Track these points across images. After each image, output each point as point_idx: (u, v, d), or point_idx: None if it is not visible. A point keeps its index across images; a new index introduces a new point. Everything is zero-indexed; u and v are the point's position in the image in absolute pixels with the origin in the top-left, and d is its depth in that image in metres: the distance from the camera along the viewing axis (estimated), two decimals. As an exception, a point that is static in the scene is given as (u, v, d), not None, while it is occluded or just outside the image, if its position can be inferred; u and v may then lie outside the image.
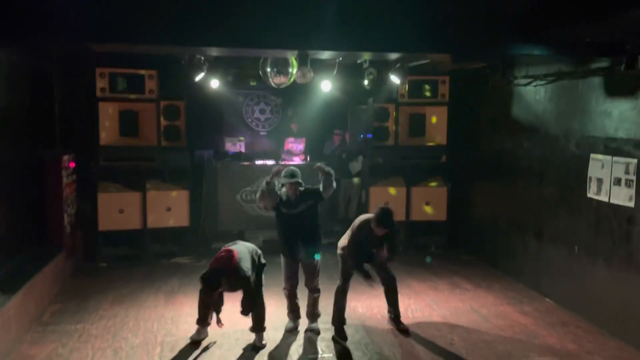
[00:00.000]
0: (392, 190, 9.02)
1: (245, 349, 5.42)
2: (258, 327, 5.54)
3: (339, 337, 5.69)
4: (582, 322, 6.11)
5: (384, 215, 5.41)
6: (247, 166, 9.05)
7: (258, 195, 5.73)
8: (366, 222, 5.59)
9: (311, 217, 5.69)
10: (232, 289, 5.20)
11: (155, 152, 8.35)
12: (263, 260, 5.61)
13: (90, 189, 8.15)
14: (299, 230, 5.65)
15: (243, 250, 5.42)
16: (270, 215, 8.43)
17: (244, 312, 5.30)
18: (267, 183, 5.55)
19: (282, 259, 5.80)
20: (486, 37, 5.45)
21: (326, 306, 5.91)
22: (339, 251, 5.79)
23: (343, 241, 5.77)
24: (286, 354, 5.38)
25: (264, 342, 5.54)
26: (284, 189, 5.67)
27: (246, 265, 5.23)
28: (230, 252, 5.29)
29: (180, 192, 8.50)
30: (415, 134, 9.09)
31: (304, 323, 5.94)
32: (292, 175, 5.57)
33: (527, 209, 7.40)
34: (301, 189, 5.63)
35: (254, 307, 5.35)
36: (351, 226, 5.77)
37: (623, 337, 5.63)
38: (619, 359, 5.35)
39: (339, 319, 5.79)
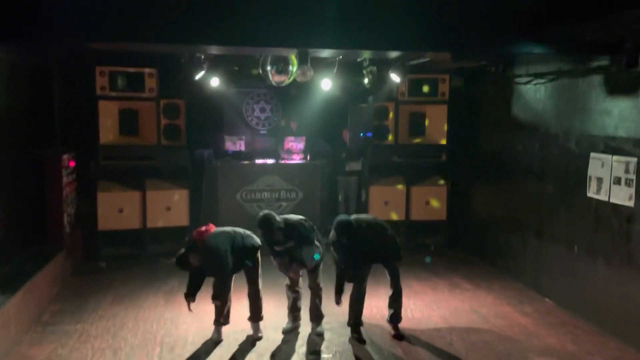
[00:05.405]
0: (399, 186, 9.01)
1: (244, 349, 5.41)
2: (255, 316, 5.62)
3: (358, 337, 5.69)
4: (582, 322, 6.10)
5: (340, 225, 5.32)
6: (247, 165, 9.03)
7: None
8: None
9: None
10: (204, 263, 5.28)
11: (155, 151, 8.33)
12: (256, 242, 5.58)
13: (90, 188, 8.15)
14: None
15: (224, 229, 5.54)
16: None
17: (213, 297, 5.40)
18: None
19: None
20: (487, 35, 5.44)
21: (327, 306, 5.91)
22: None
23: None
24: (287, 353, 5.37)
25: (260, 334, 5.61)
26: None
27: (219, 239, 5.33)
28: (208, 226, 5.48)
29: (180, 192, 8.48)
30: (415, 133, 9.07)
31: (304, 324, 5.92)
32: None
33: (527, 208, 7.38)
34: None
35: (221, 294, 5.42)
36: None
37: (623, 337, 5.61)
38: (619, 359, 5.33)
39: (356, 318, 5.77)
